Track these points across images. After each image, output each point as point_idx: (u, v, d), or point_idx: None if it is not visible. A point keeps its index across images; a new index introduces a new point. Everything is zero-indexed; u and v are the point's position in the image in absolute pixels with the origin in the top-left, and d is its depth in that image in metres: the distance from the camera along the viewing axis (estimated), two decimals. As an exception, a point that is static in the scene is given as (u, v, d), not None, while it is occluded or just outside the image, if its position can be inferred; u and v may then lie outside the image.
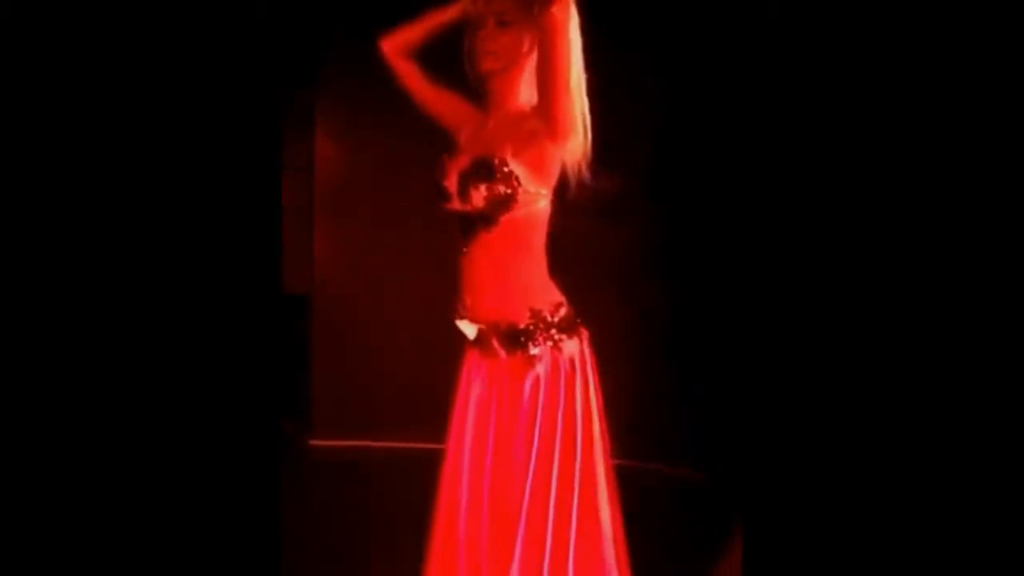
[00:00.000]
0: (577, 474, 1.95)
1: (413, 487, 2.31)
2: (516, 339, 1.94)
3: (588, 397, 1.99)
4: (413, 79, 2.13)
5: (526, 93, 1.95)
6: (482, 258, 1.96)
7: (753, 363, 3.78)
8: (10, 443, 1.57)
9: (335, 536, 3.34)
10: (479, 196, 1.87)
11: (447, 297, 2.19)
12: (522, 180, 1.87)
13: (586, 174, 1.94)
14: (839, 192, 1.81)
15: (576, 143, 1.89)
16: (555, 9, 1.76)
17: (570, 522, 1.93)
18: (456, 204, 1.93)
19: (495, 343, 1.97)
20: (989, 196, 1.59)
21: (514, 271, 1.96)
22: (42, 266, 1.58)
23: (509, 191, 1.87)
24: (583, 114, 1.90)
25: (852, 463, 1.72)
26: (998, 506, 1.59)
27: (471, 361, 2.06)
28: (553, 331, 1.95)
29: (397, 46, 2.12)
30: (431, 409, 2.52)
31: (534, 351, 1.93)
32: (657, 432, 3.93)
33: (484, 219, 1.91)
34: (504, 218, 1.90)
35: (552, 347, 1.94)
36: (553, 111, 1.83)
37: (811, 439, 1.80)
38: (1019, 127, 1.54)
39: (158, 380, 1.66)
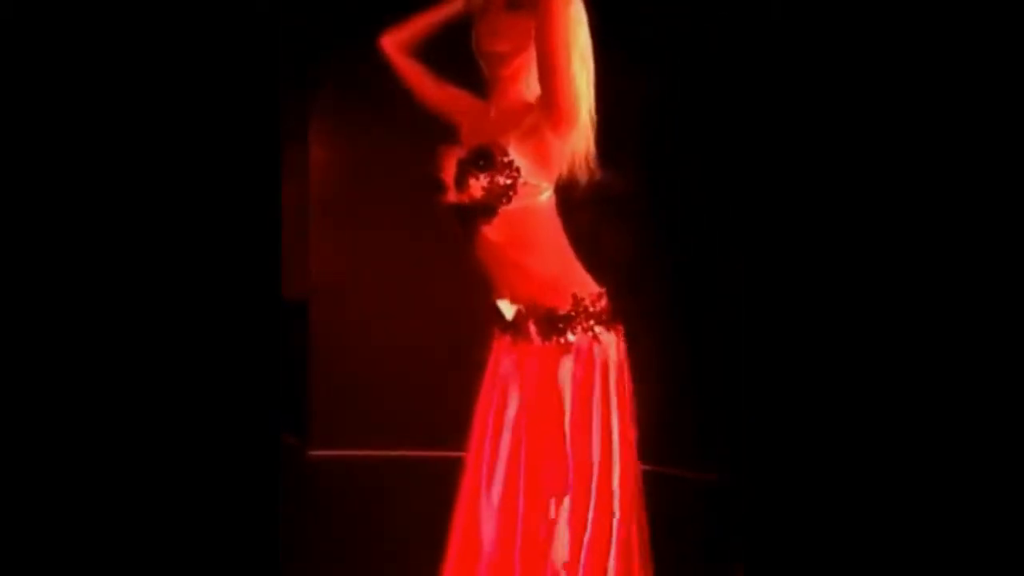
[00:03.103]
0: (617, 469, 1.93)
1: (414, 495, 2.28)
2: (554, 324, 1.92)
3: (623, 393, 1.97)
4: (415, 76, 2.12)
5: (532, 84, 1.92)
6: (488, 252, 1.94)
7: (762, 367, 3.84)
8: (9, 449, 1.56)
9: (335, 546, 3.33)
10: (478, 186, 1.84)
11: (446, 303, 2.18)
12: (523, 171, 1.84)
13: (591, 169, 1.92)
14: (850, 196, 1.81)
15: (579, 135, 1.87)
16: None
17: (611, 522, 1.91)
18: (452, 196, 1.91)
19: (531, 328, 1.94)
20: (989, 195, 1.58)
21: (528, 264, 1.94)
22: (39, 273, 1.56)
23: (509, 182, 1.84)
24: (589, 109, 1.88)
25: (858, 470, 1.75)
26: (1001, 512, 1.57)
27: (500, 349, 2.03)
28: (592, 321, 1.92)
29: (397, 43, 2.10)
30: (432, 416, 2.50)
31: (571, 338, 1.91)
32: (669, 436, 3.90)
33: (483, 210, 1.88)
34: (503, 209, 1.87)
35: (591, 337, 1.92)
36: (552, 98, 1.80)
37: (816, 445, 1.78)
38: (1019, 127, 1.52)
39: (156, 389, 1.67)
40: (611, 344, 1.94)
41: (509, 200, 1.85)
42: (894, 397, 1.69)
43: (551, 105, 1.79)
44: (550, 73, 1.78)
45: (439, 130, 2.13)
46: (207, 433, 1.67)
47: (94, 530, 1.58)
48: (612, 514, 1.92)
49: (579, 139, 1.87)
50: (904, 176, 1.69)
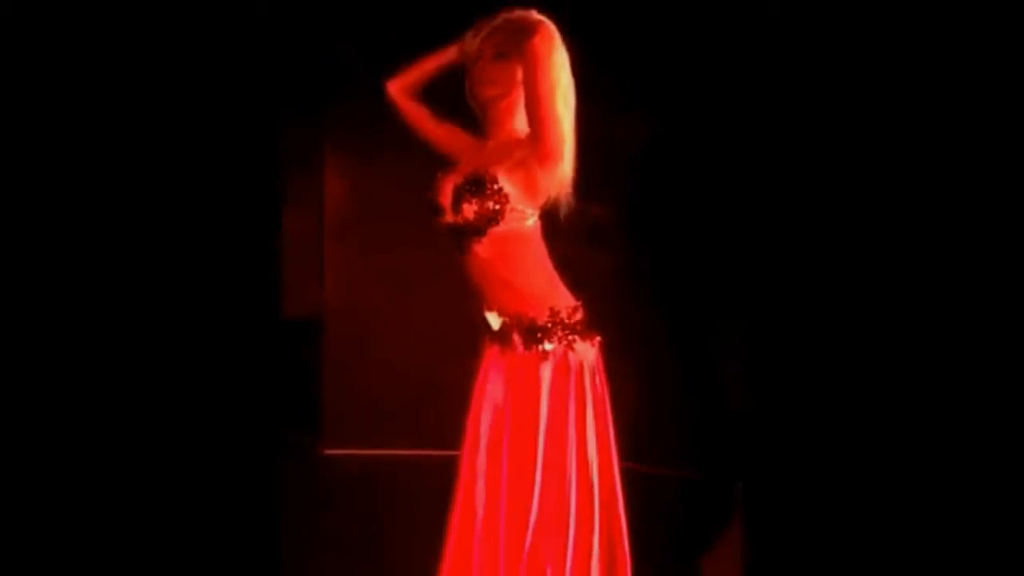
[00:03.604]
0: (594, 472, 2.03)
1: (416, 490, 2.36)
2: (534, 334, 2.03)
3: (599, 396, 2.07)
4: (418, 117, 2.25)
5: (521, 122, 2.04)
6: (478, 268, 2.05)
7: (742, 372, 3.78)
8: (13, 455, 1.56)
9: (341, 533, 3.46)
10: (470, 209, 1.96)
11: (447, 314, 2.31)
12: (511, 198, 1.96)
13: (572, 200, 2.03)
14: (822, 202, 1.71)
15: (562, 170, 1.98)
16: (535, 41, 1.91)
17: (592, 520, 2.01)
18: (449, 218, 2.03)
19: (515, 337, 2.05)
20: (988, 197, 1.53)
21: (514, 280, 2.05)
22: (39, 280, 1.52)
23: (497, 207, 1.96)
24: (571, 145, 1.99)
25: (852, 464, 1.67)
26: (999, 510, 1.53)
27: (490, 357, 2.13)
28: (567, 331, 2.04)
29: (402, 87, 2.23)
30: (431, 418, 2.65)
31: (548, 347, 2.02)
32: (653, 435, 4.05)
33: (475, 231, 2.00)
34: (492, 231, 1.99)
35: (566, 346, 2.03)
36: (540, 138, 1.93)
37: (811, 440, 1.70)
38: (1019, 127, 1.50)
39: (160, 396, 1.63)
40: (586, 352, 2.05)
41: (497, 223, 1.97)
42: (888, 402, 1.60)
43: (539, 144, 1.93)
44: (537, 116, 1.93)
45: (442, 161, 2.22)
46: (212, 437, 1.64)
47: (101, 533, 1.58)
48: (593, 509, 2.02)
49: (562, 173, 1.98)
50: (893, 199, 1.60)
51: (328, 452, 4.66)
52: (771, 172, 3.61)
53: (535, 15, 2.01)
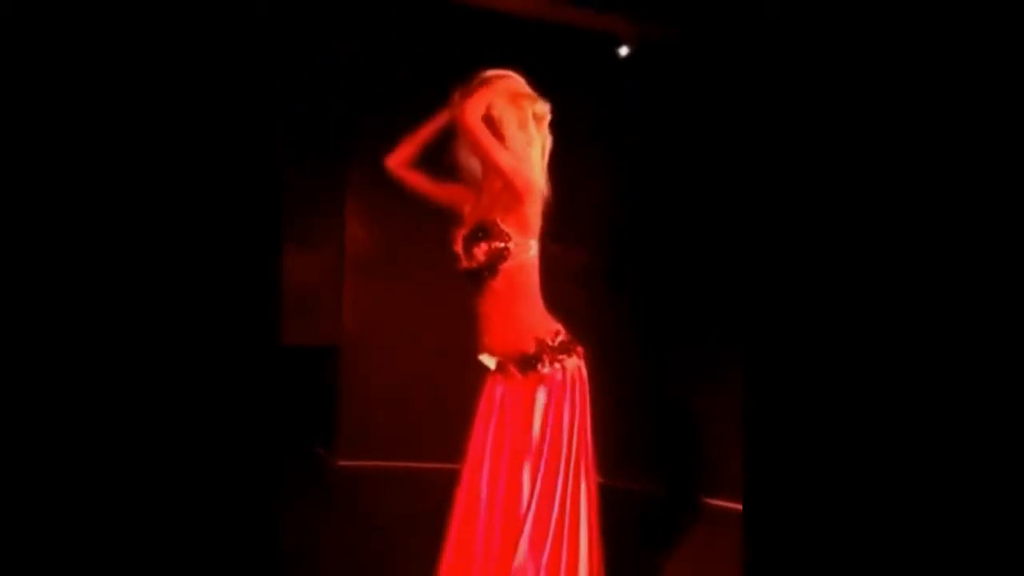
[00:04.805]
0: (583, 473, 2.17)
1: (422, 498, 2.48)
2: (528, 363, 2.19)
3: (584, 405, 2.23)
4: (419, 184, 2.39)
5: None
6: (491, 303, 2.21)
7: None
8: (26, 458, 1.47)
9: (351, 534, 3.69)
10: (481, 253, 2.15)
11: (454, 343, 2.50)
12: (512, 235, 2.15)
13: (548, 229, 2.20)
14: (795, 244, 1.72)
15: (539, 196, 2.16)
16: (467, 104, 2.08)
17: (579, 515, 2.14)
18: (464, 263, 2.21)
19: (512, 368, 2.21)
20: (988, 200, 1.48)
21: (518, 310, 2.20)
22: (46, 290, 1.49)
23: (504, 245, 2.15)
24: (541, 181, 2.18)
25: (857, 492, 1.60)
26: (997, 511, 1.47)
27: (492, 383, 2.27)
28: (555, 353, 2.20)
29: (400, 161, 2.37)
30: (439, 435, 2.86)
31: (545, 370, 2.18)
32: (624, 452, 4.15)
33: (488, 271, 2.17)
34: (503, 267, 2.16)
35: (559, 368, 2.19)
36: (505, 181, 2.12)
37: (814, 462, 1.65)
38: (1019, 127, 1.46)
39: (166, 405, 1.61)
40: (573, 365, 2.22)
41: (506, 259, 2.16)
42: (888, 418, 1.55)
43: (507, 187, 2.14)
44: (493, 168, 2.14)
45: (448, 210, 2.38)
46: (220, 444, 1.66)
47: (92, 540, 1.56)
48: (579, 512, 2.15)
49: (540, 198, 2.17)
50: (876, 232, 1.55)
51: (342, 463, 4.91)
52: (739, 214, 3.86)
53: (497, 72, 2.17)
